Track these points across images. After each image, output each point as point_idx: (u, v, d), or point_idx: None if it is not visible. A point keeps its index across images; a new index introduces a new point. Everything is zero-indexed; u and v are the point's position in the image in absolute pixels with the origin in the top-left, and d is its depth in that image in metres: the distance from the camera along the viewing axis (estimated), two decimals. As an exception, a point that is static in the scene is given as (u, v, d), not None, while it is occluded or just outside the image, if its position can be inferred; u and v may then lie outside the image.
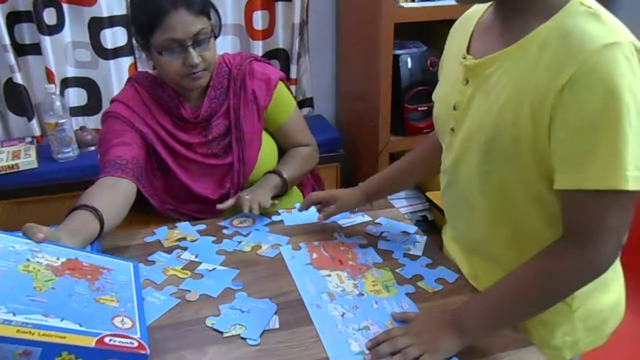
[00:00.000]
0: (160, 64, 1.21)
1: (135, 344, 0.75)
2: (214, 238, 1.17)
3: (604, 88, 0.70)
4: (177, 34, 1.15)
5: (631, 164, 0.72)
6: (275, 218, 1.26)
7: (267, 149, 1.39)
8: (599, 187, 0.73)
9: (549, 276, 0.80)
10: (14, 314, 0.69)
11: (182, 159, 1.31)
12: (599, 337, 0.96)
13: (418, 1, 1.97)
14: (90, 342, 0.71)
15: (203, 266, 1.07)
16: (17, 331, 0.67)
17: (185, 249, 1.13)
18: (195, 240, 1.17)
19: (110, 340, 0.73)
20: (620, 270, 0.97)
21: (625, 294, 0.99)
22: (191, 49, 1.17)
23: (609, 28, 0.72)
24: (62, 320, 0.72)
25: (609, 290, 0.94)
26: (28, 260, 0.81)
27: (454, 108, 0.91)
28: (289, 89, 1.43)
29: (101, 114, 1.48)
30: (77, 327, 0.72)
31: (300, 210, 1.23)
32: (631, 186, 0.72)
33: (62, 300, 0.76)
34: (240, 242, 1.16)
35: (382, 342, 0.83)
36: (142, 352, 0.74)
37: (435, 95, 1.02)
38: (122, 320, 0.79)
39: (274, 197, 1.32)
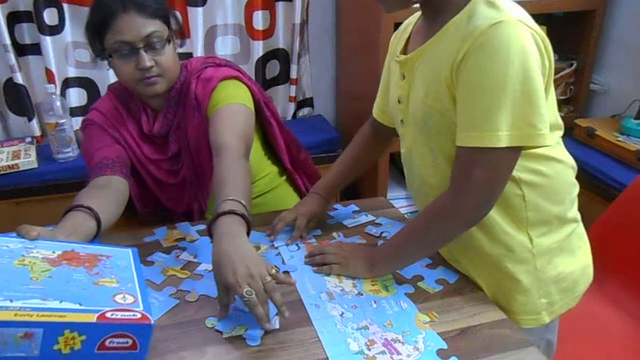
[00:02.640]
0: (115, 68, 1.16)
1: (139, 315, 0.72)
2: (213, 238, 1.17)
3: (485, 60, 0.81)
4: (127, 36, 1.10)
5: (503, 124, 0.81)
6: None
7: None
8: (468, 144, 0.84)
9: (432, 221, 0.94)
10: (12, 301, 0.68)
11: (148, 171, 1.30)
12: (571, 298, 1.03)
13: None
14: (92, 318, 0.69)
15: (202, 266, 1.07)
16: (15, 315, 0.66)
17: (184, 249, 1.13)
18: (194, 241, 1.17)
19: (112, 314, 0.71)
20: (587, 240, 1.07)
21: (592, 262, 1.07)
22: (142, 52, 1.11)
23: (500, 11, 0.82)
24: (60, 302, 0.70)
25: (575, 255, 1.03)
26: (23, 255, 0.80)
27: (399, 102, 1.02)
28: (248, 86, 1.27)
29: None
30: (77, 306, 0.70)
31: (274, 239, 1.15)
32: (502, 144, 0.81)
33: (60, 285, 0.75)
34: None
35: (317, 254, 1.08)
36: (146, 322, 0.72)
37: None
38: (124, 297, 0.76)
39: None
